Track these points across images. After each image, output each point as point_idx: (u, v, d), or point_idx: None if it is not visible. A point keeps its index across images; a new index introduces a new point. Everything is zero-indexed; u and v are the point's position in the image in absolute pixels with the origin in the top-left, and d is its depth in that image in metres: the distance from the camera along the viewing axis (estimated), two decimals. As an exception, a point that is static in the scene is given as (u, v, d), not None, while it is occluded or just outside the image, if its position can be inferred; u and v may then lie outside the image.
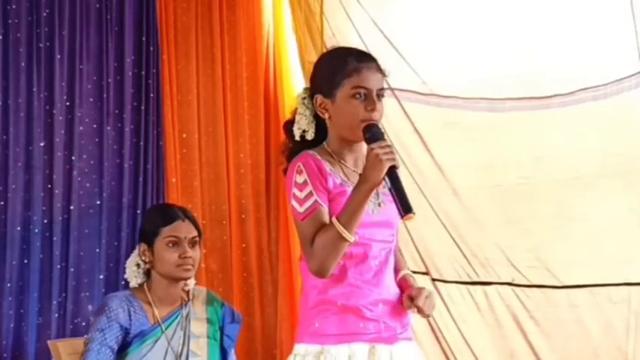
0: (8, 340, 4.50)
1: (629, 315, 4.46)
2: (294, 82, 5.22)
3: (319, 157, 2.61)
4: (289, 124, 2.73)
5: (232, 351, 3.56)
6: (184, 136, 5.02)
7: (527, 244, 4.59)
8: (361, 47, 2.93)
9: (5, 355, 4.47)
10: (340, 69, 2.63)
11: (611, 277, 4.46)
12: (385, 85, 2.69)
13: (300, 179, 2.57)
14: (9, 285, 4.53)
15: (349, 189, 2.56)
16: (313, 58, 4.99)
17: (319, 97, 2.66)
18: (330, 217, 2.53)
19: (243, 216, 5.09)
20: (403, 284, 2.73)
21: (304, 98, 2.70)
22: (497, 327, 4.67)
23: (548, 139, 4.59)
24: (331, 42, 4.89)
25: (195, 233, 3.49)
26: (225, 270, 5.01)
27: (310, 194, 2.55)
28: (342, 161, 2.66)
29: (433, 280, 4.71)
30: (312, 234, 2.52)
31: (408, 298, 2.66)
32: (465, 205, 4.71)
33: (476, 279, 4.67)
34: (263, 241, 5.11)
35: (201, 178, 5.02)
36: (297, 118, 2.70)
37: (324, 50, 4.89)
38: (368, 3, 4.85)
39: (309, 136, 2.68)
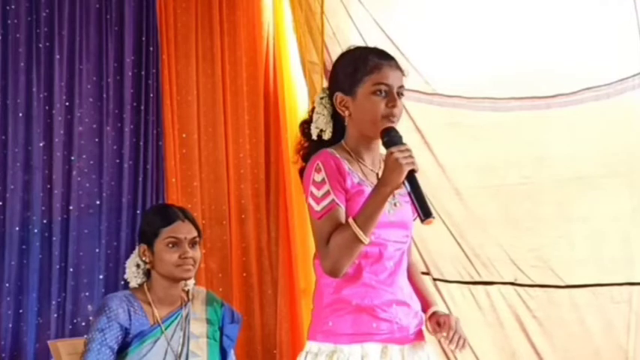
0: (7, 340, 4.47)
1: (630, 315, 4.47)
2: (294, 82, 5.21)
3: (338, 156, 2.60)
4: (305, 124, 2.72)
5: (232, 351, 3.55)
6: (184, 136, 5.00)
7: (530, 244, 4.59)
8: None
9: (4, 355, 4.45)
10: (361, 66, 2.64)
11: (612, 277, 4.47)
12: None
13: (318, 177, 2.56)
14: (8, 285, 4.50)
15: (367, 188, 2.56)
16: (313, 58, 4.99)
17: (339, 95, 2.66)
18: (347, 216, 2.52)
19: (243, 216, 5.08)
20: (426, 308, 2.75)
21: (322, 98, 2.70)
22: (499, 327, 4.67)
23: (551, 138, 4.60)
24: (332, 42, 4.89)
25: (195, 233, 3.49)
26: (225, 270, 5.00)
27: (327, 193, 2.54)
28: (361, 160, 2.65)
29: (434, 279, 4.70)
30: (328, 233, 2.51)
31: (435, 323, 2.70)
32: (467, 205, 4.71)
33: (478, 279, 4.66)
34: (263, 241, 5.09)
35: (201, 178, 5.01)
36: (315, 117, 2.69)
37: (324, 50, 4.91)
38: (369, 2, 4.84)
39: (327, 135, 2.68)
